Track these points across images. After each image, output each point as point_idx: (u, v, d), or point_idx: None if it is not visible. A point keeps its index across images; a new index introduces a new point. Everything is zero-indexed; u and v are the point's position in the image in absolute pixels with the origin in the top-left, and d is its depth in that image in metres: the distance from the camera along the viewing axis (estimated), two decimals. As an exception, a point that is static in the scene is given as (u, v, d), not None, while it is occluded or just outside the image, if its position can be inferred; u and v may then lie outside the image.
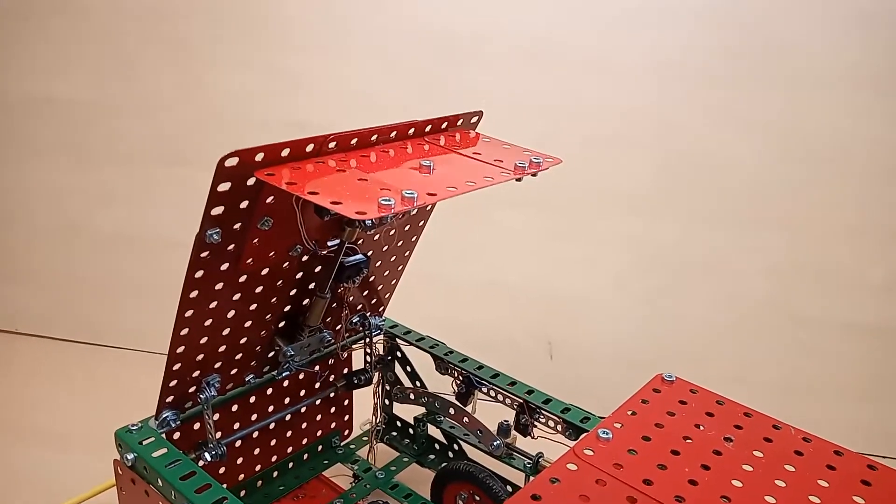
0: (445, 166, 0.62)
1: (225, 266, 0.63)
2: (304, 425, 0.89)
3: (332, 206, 0.50)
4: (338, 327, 0.85)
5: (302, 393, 0.87)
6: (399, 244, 0.84)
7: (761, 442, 0.58)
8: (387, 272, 0.86)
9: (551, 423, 0.78)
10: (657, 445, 0.57)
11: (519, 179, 0.63)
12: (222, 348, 0.71)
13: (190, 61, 1.24)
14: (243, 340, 0.72)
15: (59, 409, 1.12)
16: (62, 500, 0.87)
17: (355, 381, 0.89)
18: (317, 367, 0.87)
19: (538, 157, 0.67)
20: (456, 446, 0.93)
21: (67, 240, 1.32)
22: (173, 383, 0.68)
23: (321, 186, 0.54)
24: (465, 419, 0.82)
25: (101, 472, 0.84)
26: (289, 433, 0.88)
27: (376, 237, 0.78)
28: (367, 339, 0.89)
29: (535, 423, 0.79)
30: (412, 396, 0.90)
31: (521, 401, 0.79)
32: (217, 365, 0.72)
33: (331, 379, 0.90)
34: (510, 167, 0.64)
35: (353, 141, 0.62)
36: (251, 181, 0.57)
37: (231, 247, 0.62)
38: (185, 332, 0.65)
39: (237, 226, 0.60)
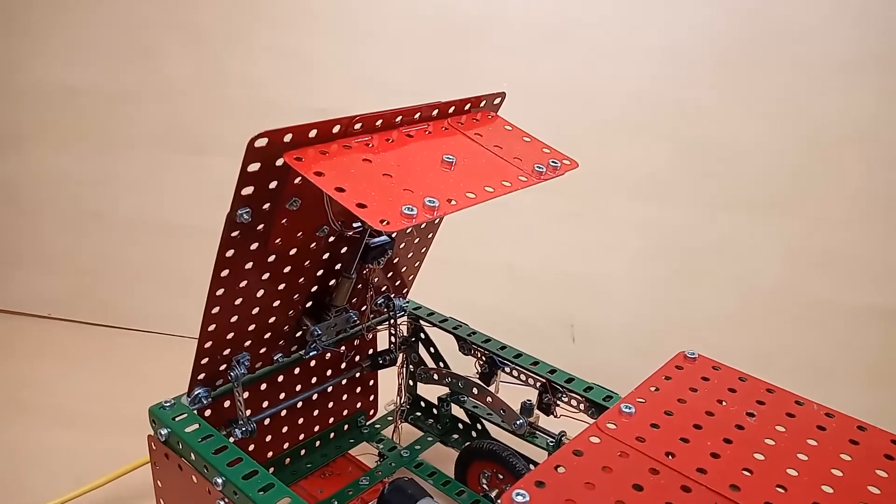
0: (466, 162, 0.63)
1: (254, 246, 0.65)
2: (330, 405, 0.91)
3: (358, 211, 0.52)
4: (363, 308, 0.86)
5: (328, 373, 0.89)
6: (423, 226, 0.85)
7: (784, 417, 0.58)
8: (411, 254, 0.87)
9: (574, 402, 0.79)
10: (680, 420, 0.57)
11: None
12: (252, 327, 0.72)
13: (207, 48, 1.26)
14: (272, 320, 0.74)
15: (83, 390, 1.15)
16: (92, 479, 0.89)
17: (380, 362, 0.91)
18: (343, 348, 0.89)
19: (556, 159, 0.68)
20: (479, 426, 0.94)
21: (90, 227, 1.35)
22: (205, 361, 0.70)
23: (347, 181, 0.55)
24: (489, 399, 0.83)
25: (129, 451, 0.86)
26: (316, 412, 0.90)
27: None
28: (392, 321, 0.90)
29: (558, 402, 0.80)
30: (436, 377, 0.91)
31: (544, 380, 0.80)
32: (247, 343, 0.73)
33: (356, 359, 0.92)
34: (528, 169, 0.66)
35: (378, 122, 0.63)
36: (280, 162, 0.58)
37: (260, 227, 0.63)
38: (216, 310, 0.66)
39: (266, 206, 0.62)
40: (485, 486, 0.88)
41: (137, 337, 1.33)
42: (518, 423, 0.81)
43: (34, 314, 1.37)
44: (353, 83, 1.22)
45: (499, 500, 0.83)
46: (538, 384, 0.81)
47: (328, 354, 0.88)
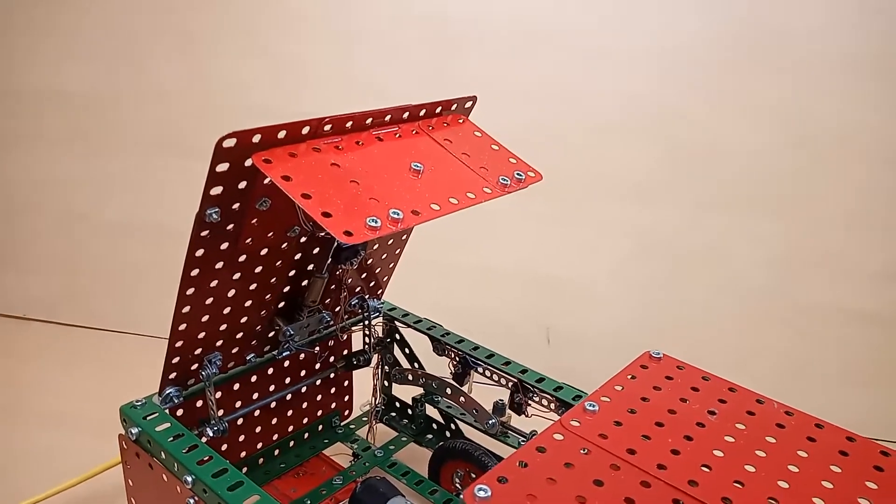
0: (433, 171, 0.64)
1: (225, 245, 0.65)
2: (304, 405, 0.92)
3: (322, 221, 0.52)
4: (337, 309, 0.87)
5: (302, 373, 0.89)
6: (396, 227, 0.85)
7: (744, 415, 0.60)
8: (384, 255, 0.88)
9: (545, 402, 0.79)
10: (642, 418, 0.58)
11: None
12: (223, 327, 0.73)
13: (196, 52, 1.26)
14: (244, 319, 0.75)
15: (66, 392, 1.15)
16: (69, 478, 0.89)
17: (354, 363, 0.92)
18: (317, 348, 0.89)
19: (521, 171, 0.69)
20: (453, 426, 0.95)
21: (74, 228, 1.35)
22: (176, 360, 0.70)
23: (314, 186, 0.55)
24: (462, 399, 0.84)
25: (105, 451, 0.86)
26: (290, 412, 0.90)
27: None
28: (367, 322, 0.91)
29: (529, 401, 0.81)
30: (410, 377, 0.92)
31: (516, 380, 0.81)
32: (218, 343, 0.74)
33: (331, 360, 0.92)
34: (493, 181, 0.67)
35: (349, 124, 0.64)
36: (248, 162, 0.59)
37: (230, 226, 0.64)
38: (186, 309, 0.67)
39: (236, 206, 0.62)
40: (458, 485, 0.88)
41: (126, 339, 1.33)
42: (490, 422, 0.81)
43: (18, 316, 1.37)
44: (344, 87, 1.23)
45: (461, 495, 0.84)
46: (510, 384, 0.82)
47: (302, 355, 0.88)
